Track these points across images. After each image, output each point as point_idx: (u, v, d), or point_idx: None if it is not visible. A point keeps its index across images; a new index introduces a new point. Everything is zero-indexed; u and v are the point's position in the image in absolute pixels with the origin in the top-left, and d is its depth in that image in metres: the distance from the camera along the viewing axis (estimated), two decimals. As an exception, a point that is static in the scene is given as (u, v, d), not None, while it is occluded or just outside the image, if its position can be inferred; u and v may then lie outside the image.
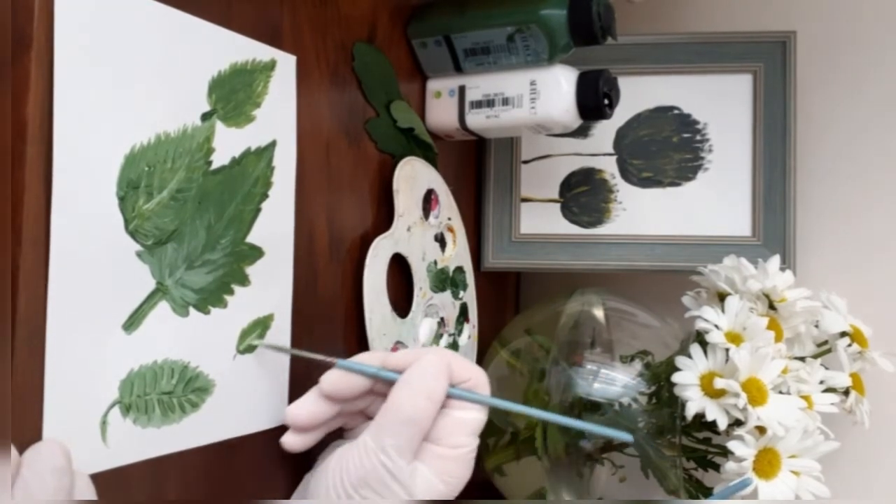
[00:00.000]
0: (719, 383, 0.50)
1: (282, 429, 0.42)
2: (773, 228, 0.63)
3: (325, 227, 0.47)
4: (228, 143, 0.40)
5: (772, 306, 0.56)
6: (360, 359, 0.43)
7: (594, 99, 0.54)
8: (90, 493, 0.31)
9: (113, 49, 0.34)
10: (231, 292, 0.40)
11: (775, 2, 0.71)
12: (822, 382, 0.55)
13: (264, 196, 0.42)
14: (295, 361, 0.44)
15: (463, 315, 0.58)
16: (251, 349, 0.41)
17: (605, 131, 0.66)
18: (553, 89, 0.54)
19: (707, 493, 0.54)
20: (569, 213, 0.66)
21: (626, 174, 0.66)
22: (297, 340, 0.44)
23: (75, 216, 0.32)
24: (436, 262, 0.55)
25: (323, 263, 0.47)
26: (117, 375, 0.34)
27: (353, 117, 0.50)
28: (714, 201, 0.64)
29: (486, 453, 0.60)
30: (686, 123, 0.65)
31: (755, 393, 0.50)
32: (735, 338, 0.53)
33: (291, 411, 0.42)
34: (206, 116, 0.38)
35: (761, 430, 0.50)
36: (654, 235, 0.65)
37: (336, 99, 0.49)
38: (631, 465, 0.56)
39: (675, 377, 0.51)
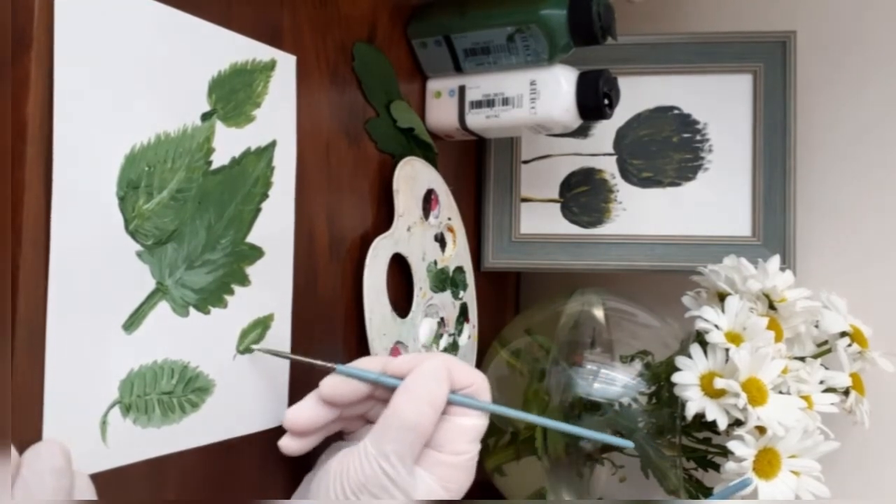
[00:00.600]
0: (719, 383, 0.50)
1: (282, 429, 0.42)
2: (773, 228, 0.63)
3: (325, 227, 0.47)
4: (228, 143, 0.40)
5: (772, 306, 0.56)
6: (361, 364, 0.42)
7: (594, 99, 0.54)
8: (90, 493, 0.31)
9: (113, 49, 0.34)
10: (231, 292, 0.40)
11: (775, 2, 0.71)
12: (822, 382, 0.55)
13: (264, 196, 0.42)
14: (295, 362, 0.44)
15: (463, 315, 0.58)
16: (251, 350, 0.41)
17: (605, 131, 0.66)
18: (553, 89, 0.54)
19: (707, 493, 0.54)
20: (569, 213, 0.66)
21: (626, 174, 0.66)
22: (297, 340, 0.44)
23: (75, 216, 0.32)
24: (436, 262, 0.55)
25: (323, 263, 0.47)
26: (117, 375, 0.34)
27: (353, 117, 0.50)
28: (714, 201, 0.64)
29: (487, 453, 0.60)
30: (686, 123, 0.65)
31: (755, 393, 0.50)
32: (735, 338, 0.53)
33: (290, 415, 0.41)
34: (206, 116, 0.38)
35: (761, 430, 0.50)
36: (654, 235, 0.65)
37: (336, 99, 0.49)
38: (631, 465, 0.56)
39: (675, 377, 0.51)
